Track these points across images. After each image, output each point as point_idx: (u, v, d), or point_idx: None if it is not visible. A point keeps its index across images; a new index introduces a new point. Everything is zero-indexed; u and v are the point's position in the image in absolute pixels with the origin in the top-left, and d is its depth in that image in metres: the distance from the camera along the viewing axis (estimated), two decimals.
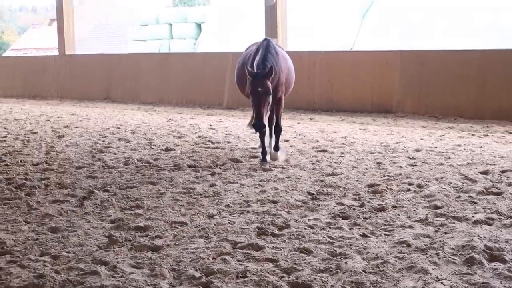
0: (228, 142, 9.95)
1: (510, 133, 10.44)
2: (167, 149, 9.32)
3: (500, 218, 5.42)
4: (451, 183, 6.76)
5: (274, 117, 8.25)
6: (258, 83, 7.45)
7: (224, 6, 27.23)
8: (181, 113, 14.59)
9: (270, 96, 7.50)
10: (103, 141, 10.33)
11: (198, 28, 28.33)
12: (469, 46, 15.31)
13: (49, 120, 13.57)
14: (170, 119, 13.43)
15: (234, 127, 11.71)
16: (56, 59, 20.12)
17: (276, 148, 8.25)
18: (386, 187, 6.60)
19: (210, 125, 12.18)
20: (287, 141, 9.86)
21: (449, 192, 6.38)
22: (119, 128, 11.96)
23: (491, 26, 18.03)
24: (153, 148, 9.48)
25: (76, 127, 12.16)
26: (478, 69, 12.27)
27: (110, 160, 8.52)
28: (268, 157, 8.12)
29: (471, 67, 12.37)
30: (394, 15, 20.28)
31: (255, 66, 7.67)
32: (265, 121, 7.45)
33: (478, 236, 4.89)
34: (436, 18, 19.35)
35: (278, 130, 8.28)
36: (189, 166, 8.03)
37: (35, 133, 11.42)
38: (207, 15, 28.15)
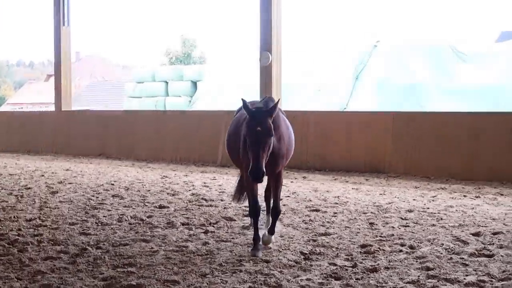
0: (222, 200, 9.99)
1: (501, 195, 10.53)
2: (160, 207, 9.35)
3: (491, 281, 5.44)
4: (443, 244, 6.80)
5: (272, 196, 7.09)
6: (257, 121, 6.10)
7: (219, 65, 27.65)
8: (175, 170, 14.65)
9: (272, 138, 6.15)
10: (97, 197, 10.35)
11: (193, 86, 28.66)
12: (461, 108, 15.56)
13: (43, 175, 13.60)
14: (164, 176, 13.48)
15: (228, 185, 11.76)
16: (52, 115, 20.29)
17: (271, 231, 6.82)
18: (379, 248, 6.63)
19: (204, 183, 12.23)
20: (280, 199, 9.88)
21: (441, 253, 6.41)
22: (113, 184, 12.00)
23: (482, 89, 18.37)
24: (146, 205, 9.51)
25: (70, 183, 12.19)
26: (470, 131, 12.46)
27: (104, 216, 8.53)
28: (260, 244, 6.62)
29: (462, 129, 12.56)
30: (385, 79, 20.62)
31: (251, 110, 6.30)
32: (263, 167, 5.97)
33: None
34: (428, 81, 19.70)
35: (276, 213, 6.84)
36: (182, 224, 8.04)
37: (29, 188, 11.44)
38: (202, 73, 28.55)
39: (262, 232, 6.88)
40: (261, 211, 6.88)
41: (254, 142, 6.06)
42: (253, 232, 6.73)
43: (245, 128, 6.18)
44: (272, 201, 7.06)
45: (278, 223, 7.10)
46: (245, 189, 7.38)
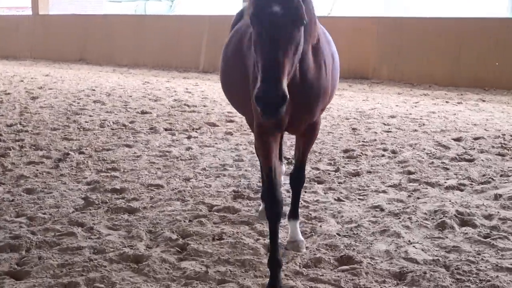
0: (204, 106, 9.93)
1: (483, 101, 10.58)
2: (142, 112, 9.28)
3: (471, 184, 5.53)
4: (424, 149, 6.86)
5: (297, 155, 4.28)
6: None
7: None
8: (157, 76, 14.48)
9: (301, 34, 3.31)
10: (78, 103, 10.23)
11: None
12: (448, 13, 15.34)
13: (22, 81, 13.38)
14: (145, 82, 13.33)
15: (210, 91, 11.67)
16: (29, 19, 19.76)
17: (295, 215, 4.29)
18: (361, 153, 6.68)
19: (186, 89, 12.12)
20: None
21: (423, 158, 6.48)
22: (94, 90, 11.85)
23: None
24: (128, 111, 9.43)
25: (50, 89, 12.02)
26: (455, 37, 12.34)
27: (85, 122, 8.46)
28: (282, 252, 3.95)
29: (447, 35, 12.43)
30: None
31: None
32: (285, 87, 3.13)
33: (450, 201, 4.99)
34: None
35: (299, 182, 4.33)
36: (165, 130, 8.01)
37: (9, 94, 11.27)
38: None
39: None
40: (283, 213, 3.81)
41: (267, 35, 3.18)
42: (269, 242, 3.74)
43: (252, 11, 3.26)
44: (294, 161, 4.35)
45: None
46: (258, 155, 4.58)
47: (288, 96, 3.08)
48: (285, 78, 3.14)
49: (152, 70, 15.83)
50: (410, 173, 5.91)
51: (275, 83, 3.07)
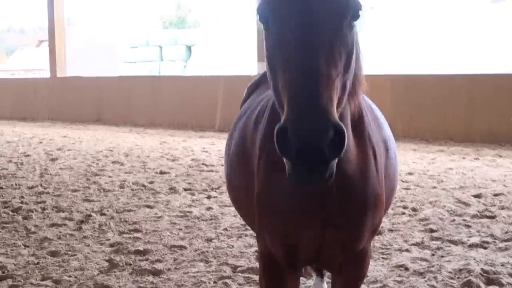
0: (222, 165, 10.00)
1: (500, 156, 10.59)
2: (161, 172, 9.36)
3: (495, 242, 5.51)
4: (445, 206, 6.85)
5: None
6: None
7: (214, 28, 27.47)
8: (173, 136, 14.64)
9: (354, 35, 2.20)
10: (97, 164, 10.35)
11: (188, 50, 28.51)
12: (458, 71, 15.53)
13: (41, 142, 13.57)
14: (162, 141, 13.47)
15: None
16: (47, 81, 20.16)
17: None
18: None
19: (203, 148, 12.24)
20: None
21: (444, 215, 6.47)
22: (112, 150, 11.99)
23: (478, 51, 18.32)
24: (147, 171, 9.52)
25: (69, 150, 12.18)
26: (468, 94, 12.46)
27: (105, 183, 8.54)
28: None
29: (460, 92, 12.55)
30: (383, 40, 20.53)
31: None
32: (336, 118, 1.93)
33: (474, 259, 4.97)
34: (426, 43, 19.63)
35: None
36: (185, 189, 8.07)
37: (28, 155, 11.42)
38: (197, 37, 28.36)
39: None
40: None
41: (297, 35, 2.05)
42: None
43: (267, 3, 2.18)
44: None
45: None
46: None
47: (346, 135, 1.89)
48: (334, 105, 1.96)
49: (168, 129, 16.00)
50: (432, 231, 5.90)
51: (316, 109, 1.87)
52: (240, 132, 3.03)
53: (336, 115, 1.91)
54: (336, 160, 1.91)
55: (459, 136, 12.32)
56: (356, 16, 2.13)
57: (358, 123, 2.47)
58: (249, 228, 6.11)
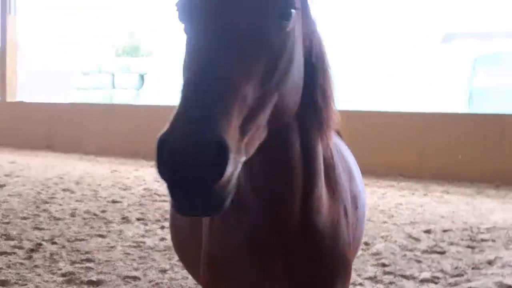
0: None
1: (448, 193, 10.85)
2: (113, 201, 9.26)
3: (445, 277, 5.63)
4: (396, 241, 6.97)
5: None
6: None
7: (167, 57, 27.44)
8: (125, 164, 14.50)
9: (292, 37, 1.81)
10: (47, 191, 10.16)
11: (141, 78, 28.37)
12: (411, 108, 15.91)
13: None
14: (114, 170, 13.33)
15: None
16: None
17: None
18: None
19: (155, 177, 12.14)
20: None
21: (395, 250, 6.58)
22: (62, 178, 11.79)
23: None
24: (99, 200, 9.39)
25: (17, 176, 11.92)
26: (419, 131, 12.77)
27: (56, 211, 8.39)
28: None
29: (411, 129, 12.86)
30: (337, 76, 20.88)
31: None
32: (226, 135, 1.50)
33: None
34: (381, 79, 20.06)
35: None
36: (138, 219, 7.99)
37: None
38: (150, 66, 28.28)
39: None
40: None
41: (209, 26, 1.68)
42: None
43: None
44: None
45: None
46: None
47: (229, 152, 1.48)
48: (230, 120, 1.52)
49: (119, 158, 15.84)
50: (384, 265, 5.99)
51: (199, 119, 1.48)
52: None
53: (227, 131, 1.48)
54: (232, 184, 1.53)
55: (409, 172, 12.59)
56: (287, 15, 1.72)
57: (331, 169, 2.16)
58: None
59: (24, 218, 7.88)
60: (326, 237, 2.10)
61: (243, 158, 1.60)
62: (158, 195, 9.96)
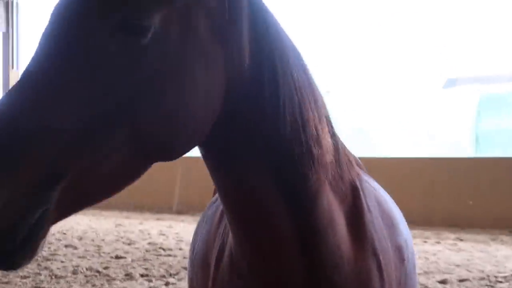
0: (180, 249, 9.69)
1: (461, 240, 10.55)
2: (117, 257, 8.99)
3: None
4: None
5: None
6: None
7: None
8: (129, 218, 14.26)
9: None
10: (49, 247, 9.88)
11: None
12: (418, 154, 15.73)
13: None
14: (118, 224, 13.08)
15: (185, 233, 11.45)
16: None
17: None
18: None
19: (160, 231, 11.90)
20: None
21: None
22: (65, 233, 11.54)
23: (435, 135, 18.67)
24: (102, 256, 9.13)
25: None
26: (428, 177, 12.54)
27: (57, 268, 8.13)
28: None
29: (420, 175, 12.64)
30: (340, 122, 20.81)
31: None
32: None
33: None
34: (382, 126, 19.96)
35: None
36: (142, 275, 7.72)
37: None
38: None
39: None
40: None
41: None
42: None
43: None
44: None
45: None
46: None
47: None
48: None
49: (124, 211, 15.60)
50: None
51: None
52: (207, 224, 2.22)
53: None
54: (40, 238, 1.37)
55: (419, 219, 12.30)
56: (127, 26, 1.33)
57: (357, 217, 1.80)
58: None
59: (24, 277, 7.61)
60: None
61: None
62: (163, 249, 9.70)
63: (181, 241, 10.59)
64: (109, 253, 9.30)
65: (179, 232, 11.70)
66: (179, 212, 14.94)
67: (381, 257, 1.82)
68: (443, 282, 7.25)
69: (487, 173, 12.08)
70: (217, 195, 2.12)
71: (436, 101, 20.84)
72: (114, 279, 7.54)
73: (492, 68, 25.98)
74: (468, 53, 27.17)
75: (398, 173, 12.89)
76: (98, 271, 7.95)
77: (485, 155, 15.13)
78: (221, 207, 2.01)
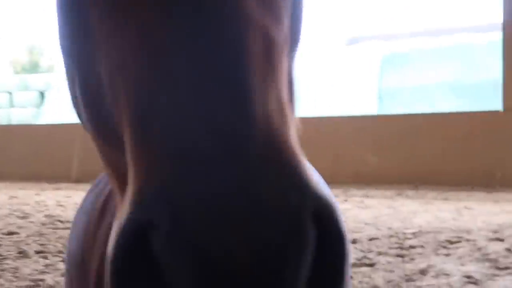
0: None
1: (367, 196, 10.56)
2: (9, 233, 8.34)
3: None
4: None
5: None
6: None
7: None
8: (25, 189, 13.45)
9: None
10: None
11: (41, 96, 27.02)
12: (322, 112, 15.66)
13: None
14: (12, 196, 12.28)
15: None
16: None
17: None
18: None
19: (58, 201, 11.26)
20: None
21: None
22: None
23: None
24: None
25: None
26: (332, 134, 12.48)
27: None
28: None
29: (325, 133, 12.54)
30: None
31: None
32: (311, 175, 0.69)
33: None
34: None
35: None
36: (37, 252, 7.15)
37: None
38: (50, 82, 26.97)
39: None
40: None
41: None
42: None
43: None
44: None
45: None
46: None
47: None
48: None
49: (19, 182, 14.73)
50: None
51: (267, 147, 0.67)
52: (83, 220, 1.59)
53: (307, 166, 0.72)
54: None
55: (326, 178, 12.24)
56: None
57: None
58: None
59: None
60: None
61: None
62: (61, 221, 9.12)
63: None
64: (0, 229, 8.62)
65: (78, 202, 11.06)
66: (79, 180, 14.24)
67: None
68: (353, 242, 7.12)
69: (390, 130, 12.14)
70: (99, 178, 1.72)
71: (339, 58, 20.88)
72: (5, 258, 6.93)
73: (394, 26, 26.36)
74: (371, 10, 27.48)
75: (303, 132, 12.74)
76: None
77: (389, 112, 15.28)
78: (104, 193, 1.48)
